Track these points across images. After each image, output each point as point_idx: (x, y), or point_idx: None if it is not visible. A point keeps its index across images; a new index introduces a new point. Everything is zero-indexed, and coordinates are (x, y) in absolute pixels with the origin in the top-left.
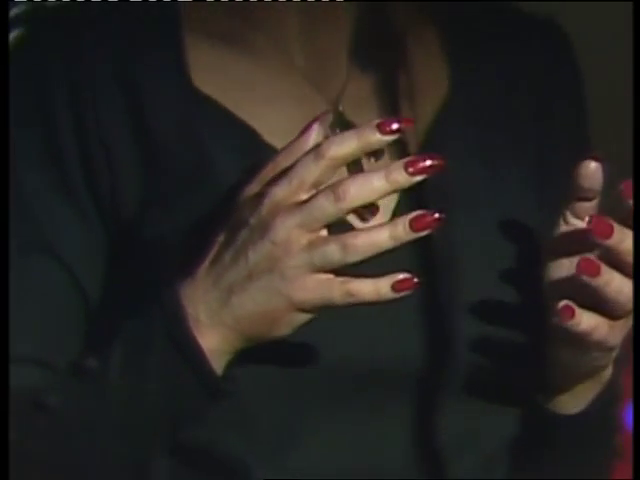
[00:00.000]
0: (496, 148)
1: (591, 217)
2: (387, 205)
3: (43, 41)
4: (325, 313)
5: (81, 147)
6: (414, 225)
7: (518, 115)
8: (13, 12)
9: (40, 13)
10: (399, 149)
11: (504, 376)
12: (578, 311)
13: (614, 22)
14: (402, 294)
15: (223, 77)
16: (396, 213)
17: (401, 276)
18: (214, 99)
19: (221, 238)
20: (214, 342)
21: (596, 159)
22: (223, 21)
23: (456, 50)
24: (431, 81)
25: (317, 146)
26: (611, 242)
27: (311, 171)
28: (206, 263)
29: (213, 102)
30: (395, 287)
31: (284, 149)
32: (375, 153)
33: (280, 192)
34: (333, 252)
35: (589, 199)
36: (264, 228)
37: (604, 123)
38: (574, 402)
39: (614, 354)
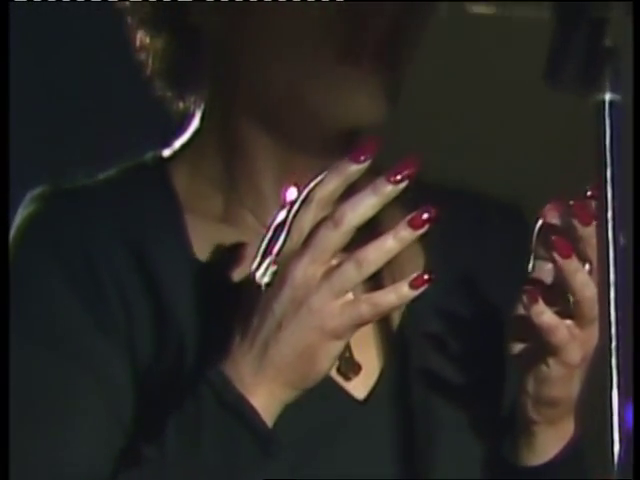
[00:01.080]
0: (466, 321)
1: (574, 202)
2: (372, 371)
3: (62, 216)
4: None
5: (106, 304)
6: (413, 224)
7: (485, 291)
8: (33, 192)
9: (59, 193)
10: (383, 328)
11: None
12: (542, 302)
13: None
14: (419, 290)
15: (218, 247)
16: (380, 381)
17: (415, 275)
18: (210, 265)
19: (242, 316)
20: (262, 399)
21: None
22: (216, 201)
23: (428, 235)
24: (408, 261)
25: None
26: (587, 231)
27: (304, 218)
28: (237, 336)
29: (209, 268)
30: (412, 285)
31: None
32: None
33: (285, 248)
34: (349, 271)
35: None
36: (281, 280)
37: None
38: (536, 454)
39: (574, 389)
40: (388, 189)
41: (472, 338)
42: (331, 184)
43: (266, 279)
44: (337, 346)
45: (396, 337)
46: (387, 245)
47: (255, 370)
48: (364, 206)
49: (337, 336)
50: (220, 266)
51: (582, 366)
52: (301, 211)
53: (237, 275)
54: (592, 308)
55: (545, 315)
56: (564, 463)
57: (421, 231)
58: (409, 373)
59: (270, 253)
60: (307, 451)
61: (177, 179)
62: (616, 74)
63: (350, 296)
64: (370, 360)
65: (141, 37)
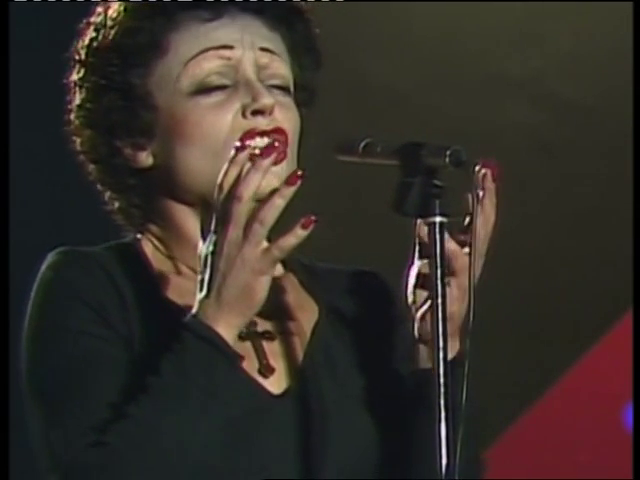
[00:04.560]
0: (349, 344)
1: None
2: (284, 377)
3: (77, 264)
4: None
5: (100, 330)
6: (290, 182)
7: (365, 327)
8: (55, 250)
9: (74, 251)
10: (291, 352)
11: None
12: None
13: None
14: (309, 230)
15: (184, 290)
16: (290, 384)
17: (303, 219)
18: (180, 304)
19: (200, 279)
20: (223, 328)
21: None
22: (168, 263)
23: (318, 293)
24: (305, 311)
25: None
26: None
27: (239, 211)
28: (198, 294)
29: (178, 307)
30: (304, 226)
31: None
32: None
33: (218, 223)
34: (257, 229)
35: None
36: (220, 245)
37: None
38: (432, 360)
39: (463, 309)
40: (265, 163)
41: (356, 352)
42: (254, 180)
43: (211, 248)
44: (266, 279)
45: (303, 358)
46: (277, 203)
47: (215, 309)
48: (252, 181)
49: (263, 273)
50: (174, 298)
51: (467, 294)
52: (234, 206)
53: (181, 299)
54: (481, 248)
55: (451, 243)
56: (453, 368)
57: (296, 186)
58: (311, 378)
59: (209, 231)
60: (240, 430)
61: (147, 251)
62: (443, 204)
63: (265, 244)
64: (284, 369)
65: (108, 196)
